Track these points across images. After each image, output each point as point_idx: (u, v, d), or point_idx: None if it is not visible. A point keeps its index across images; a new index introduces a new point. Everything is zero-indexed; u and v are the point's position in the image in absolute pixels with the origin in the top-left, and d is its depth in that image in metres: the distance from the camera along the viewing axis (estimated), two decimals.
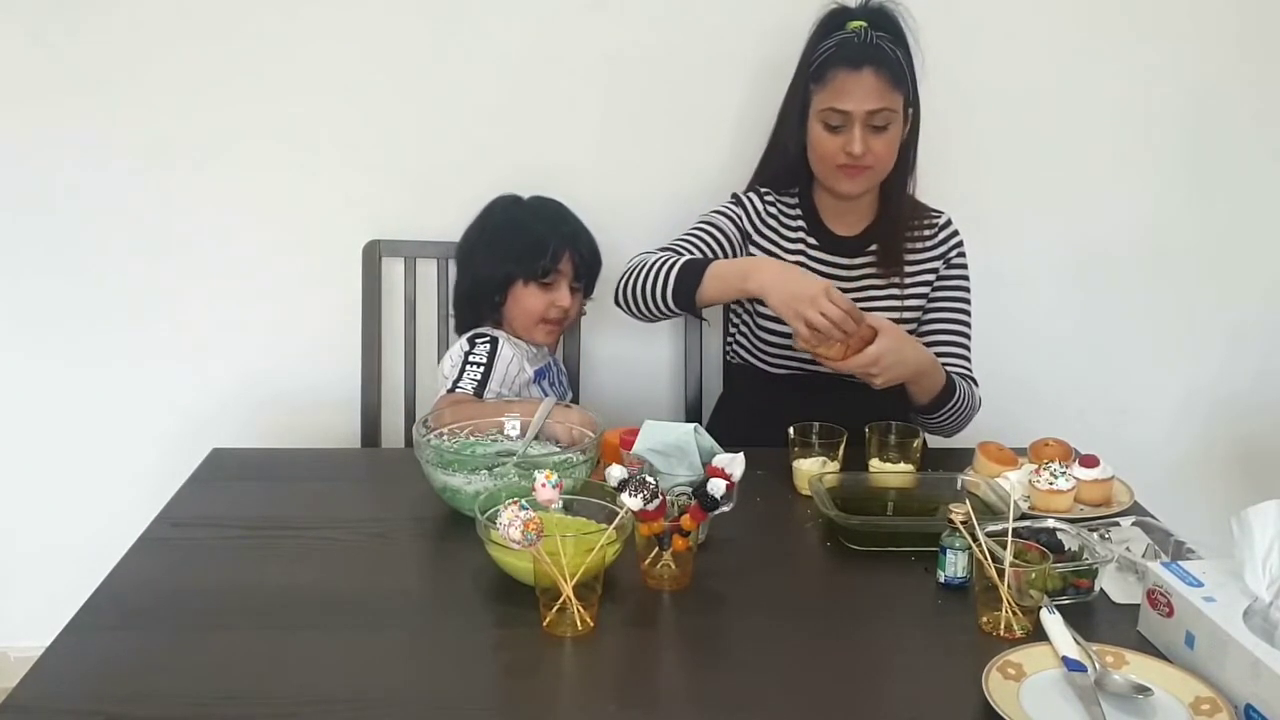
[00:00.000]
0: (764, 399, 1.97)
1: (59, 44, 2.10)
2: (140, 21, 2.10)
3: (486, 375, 1.88)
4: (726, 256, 1.90)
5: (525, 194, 2.07)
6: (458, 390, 1.87)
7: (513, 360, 1.94)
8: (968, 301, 1.98)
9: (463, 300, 2.04)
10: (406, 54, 2.16)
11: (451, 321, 2.10)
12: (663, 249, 1.88)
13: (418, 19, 2.14)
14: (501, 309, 2.00)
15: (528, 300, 1.97)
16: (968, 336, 1.97)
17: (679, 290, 1.76)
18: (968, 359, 1.97)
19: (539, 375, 2.00)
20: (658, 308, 1.80)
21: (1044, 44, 2.23)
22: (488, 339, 1.95)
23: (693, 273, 1.76)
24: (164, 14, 2.10)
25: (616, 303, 1.88)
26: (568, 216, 2.04)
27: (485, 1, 2.15)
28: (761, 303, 1.74)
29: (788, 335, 1.79)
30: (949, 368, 1.92)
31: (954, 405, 1.87)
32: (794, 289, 1.67)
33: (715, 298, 1.78)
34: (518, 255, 1.97)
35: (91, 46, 2.11)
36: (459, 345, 1.96)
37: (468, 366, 1.90)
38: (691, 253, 1.86)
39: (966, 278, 1.98)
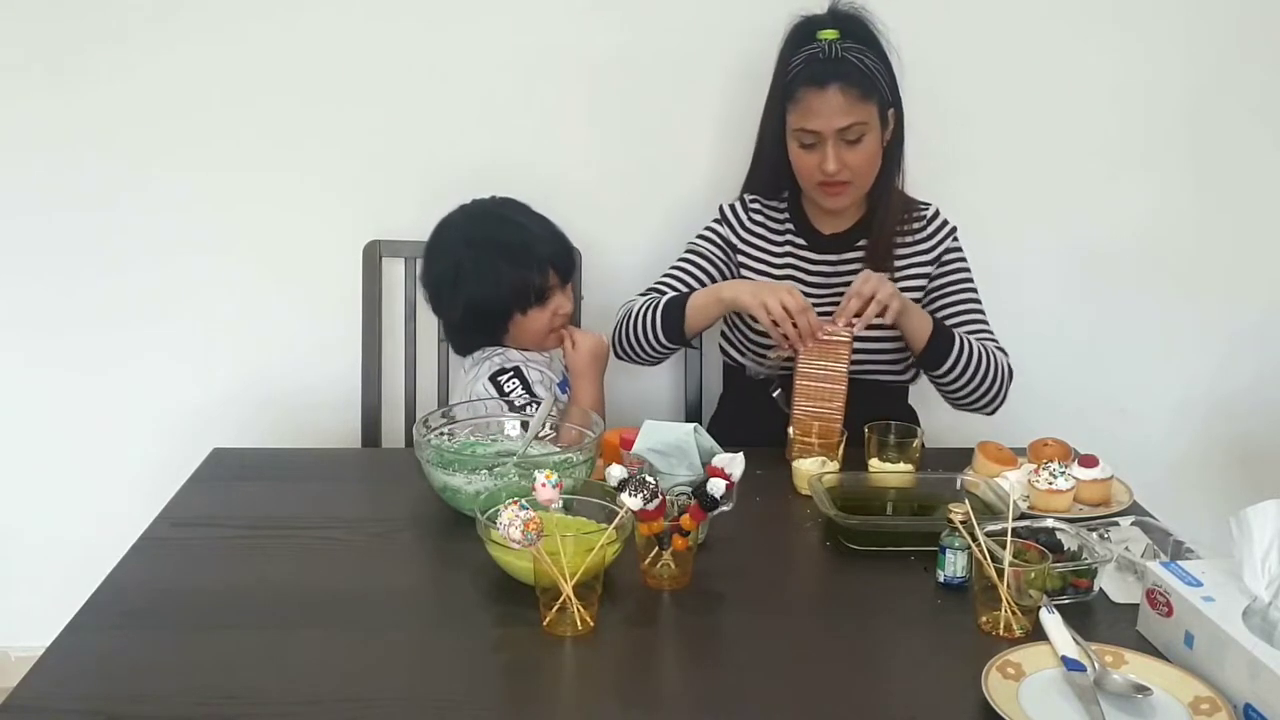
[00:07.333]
0: (763, 399, 1.97)
1: (57, 45, 2.10)
2: (140, 22, 2.10)
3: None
4: (709, 282, 1.94)
5: (524, 195, 2.04)
6: None
7: (541, 382, 1.91)
8: (972, 281, 1.97)
9: (461, 328, 1.98)
10: (407, 55, 2.16)
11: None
12: (647, 291, 1.96)
13: (416, 21, 2.14)
14: (505, 334, 1.95)
15: (531, 324, 1.93)
16: (982, 312, 1.95)
17: (667, 327, 1.86)
18: (989, 332, 1.94)
19: (562, 387, 1.97)
20: (653, 348, 1.89)
21: (1042, 41, 2.22)
22: (510, 372, 1.89)
23: (676, 307, 1.86)
24: (163, 14, 2.10)
25: (617, 355, 1.95)
26: (530, 220, 1.96)
27: (486, 3, 2.15)
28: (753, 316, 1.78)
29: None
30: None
31: (962, 360, 1.82)
32: (762, 285, 1.82)
33: (701, 322, 1.87)
34: (510, 291, 1.89)
35: (90, 47, 2.11)
36: (482, 387, 1.88)
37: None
38: (674, 289, 1.93)
39: (964, 259, 1.97)
